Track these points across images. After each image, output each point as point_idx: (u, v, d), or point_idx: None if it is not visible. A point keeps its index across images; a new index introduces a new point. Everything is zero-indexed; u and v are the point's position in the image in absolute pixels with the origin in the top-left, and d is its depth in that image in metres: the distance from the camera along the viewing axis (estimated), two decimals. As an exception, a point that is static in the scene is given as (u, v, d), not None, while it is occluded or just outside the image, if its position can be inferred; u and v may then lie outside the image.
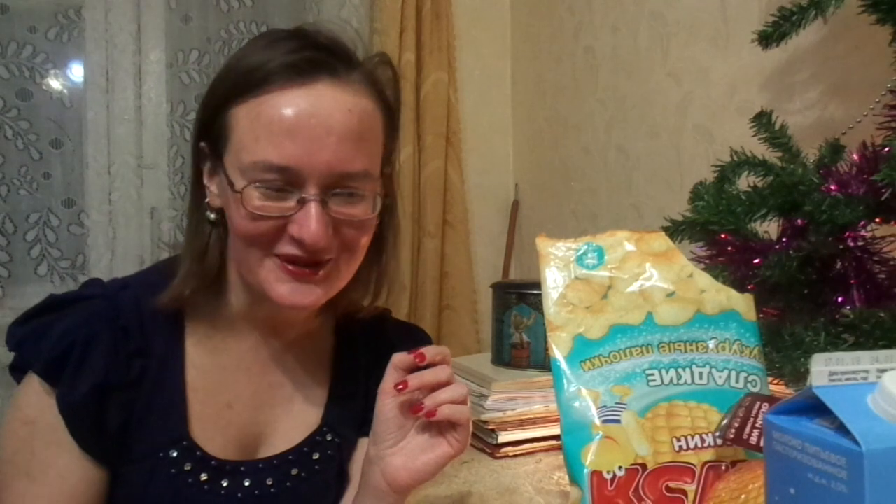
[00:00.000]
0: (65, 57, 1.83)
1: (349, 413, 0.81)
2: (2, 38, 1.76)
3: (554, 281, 0.62)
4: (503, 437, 1.08)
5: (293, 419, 0.78)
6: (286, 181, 0.65)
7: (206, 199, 0.72)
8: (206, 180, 0.72)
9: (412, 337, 0.88)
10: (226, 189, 0.68)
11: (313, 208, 0.65)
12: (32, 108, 1.80)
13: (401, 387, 0.67)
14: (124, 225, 1.78)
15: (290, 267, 0.67)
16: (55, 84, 1.83)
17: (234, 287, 0.74)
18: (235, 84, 0.67)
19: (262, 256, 0.67)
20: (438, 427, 0.69)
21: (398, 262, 0.81)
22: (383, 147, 0.72)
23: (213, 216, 0.72)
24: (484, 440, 1.10)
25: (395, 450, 0.69)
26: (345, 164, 0.66)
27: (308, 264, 0.67)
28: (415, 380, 0.67)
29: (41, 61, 1.80)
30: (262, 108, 0.65)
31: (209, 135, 0.70)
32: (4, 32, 1.76)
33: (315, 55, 0.67)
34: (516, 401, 1.12)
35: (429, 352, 0.68)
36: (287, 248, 0.67)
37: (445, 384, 0.68)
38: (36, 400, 0.68)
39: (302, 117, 0.64)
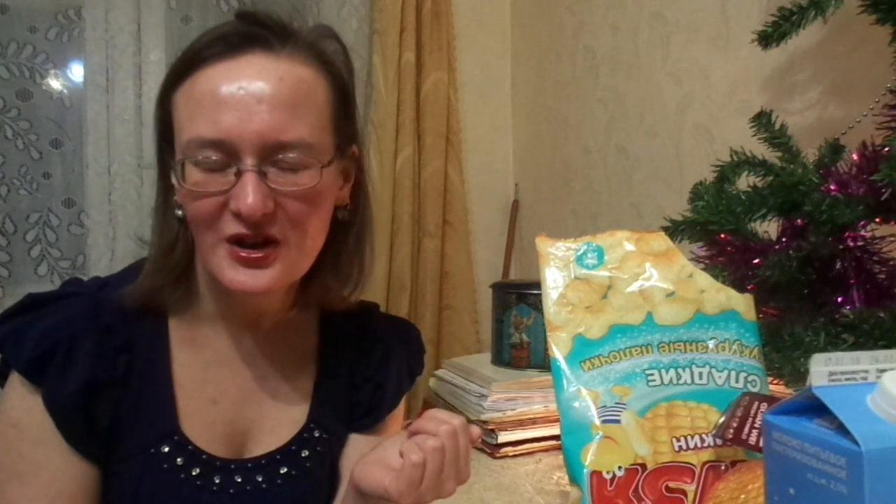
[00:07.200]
0: (65, 57, 1.83)
1: (335, 408, 0.81)
2: (2, 38, 1.76)
3: (554, 281, 0.62)
4: (503, 437, 1.08)
5: (279, 415, 0.78)
6: (222, 155, 0.64)
7: (175, 197, 0.71)
8: (172, 178, 0.71)
9: (399, 330, 0.87)
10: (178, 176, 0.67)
11: (248, 178, 0.63)
12: (32, 108, 1.80)
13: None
14: (124, 225, 1.78)
15: (241, 253, 0.65)
16: (55, 84, 1.83)
17: (202, 283, 0.74)
18: (172, 72, 0.68)
19: (213, 243, 0.66)
20: None
21: (373, 249, 0.79)
22: (333, 119, 0.70)
23: (179, 213, 0.71)
24: (484, 440, 1.10)
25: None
26: (279, 133, 0.64)
27: (256, 244, 0.66)
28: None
29: (41, 61, 1.80)
30: (195, 86, 0.65)
31: (164, 132, 0.70)
32: (4, 32, 1.76)
33: (247, 29, 0.66)
34: (516, 401, 1.12)
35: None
36: (231, 228, 0.65)
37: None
38: (20, 402, 0.67)
39: (231, 89, 0.63)
